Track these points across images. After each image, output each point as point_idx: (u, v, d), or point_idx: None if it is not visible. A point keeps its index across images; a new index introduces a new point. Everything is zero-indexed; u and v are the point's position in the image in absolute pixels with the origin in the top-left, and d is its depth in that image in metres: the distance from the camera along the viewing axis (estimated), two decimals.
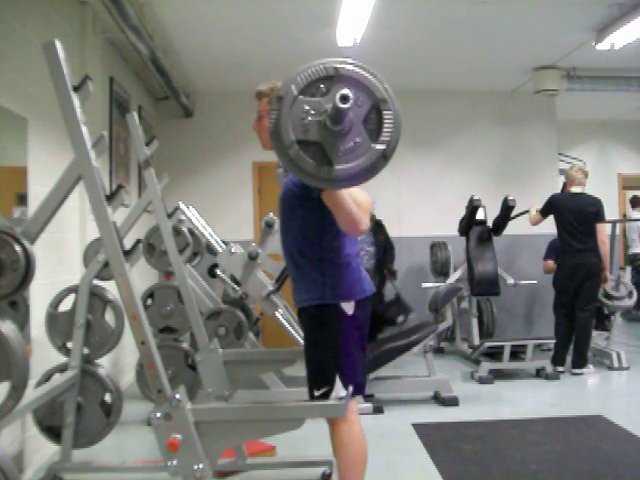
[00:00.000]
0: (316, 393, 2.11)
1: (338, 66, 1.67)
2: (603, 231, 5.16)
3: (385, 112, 1.71)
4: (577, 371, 5.10)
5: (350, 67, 1.69)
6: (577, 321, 5.13)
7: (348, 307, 2.13)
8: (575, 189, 5.20)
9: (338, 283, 2.14)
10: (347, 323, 2.13)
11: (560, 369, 5.12)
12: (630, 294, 5.55)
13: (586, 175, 5.25)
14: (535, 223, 5.46)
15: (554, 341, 5.25)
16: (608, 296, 5.51)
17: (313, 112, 1.66)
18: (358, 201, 1.99)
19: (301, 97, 1.65)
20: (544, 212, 5.32)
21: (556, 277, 5.35)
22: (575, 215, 5.08)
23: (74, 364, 2.68)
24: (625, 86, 6.16)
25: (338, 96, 1.57)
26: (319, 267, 2.14)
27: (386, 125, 1.72)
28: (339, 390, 2.07)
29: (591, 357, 5.35)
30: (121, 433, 3.42)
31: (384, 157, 1.77)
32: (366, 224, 1.98)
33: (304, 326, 2.25)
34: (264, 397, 4.06)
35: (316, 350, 2.15)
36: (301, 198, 2.10)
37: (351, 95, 1.59)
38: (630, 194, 8.58)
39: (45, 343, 2.82)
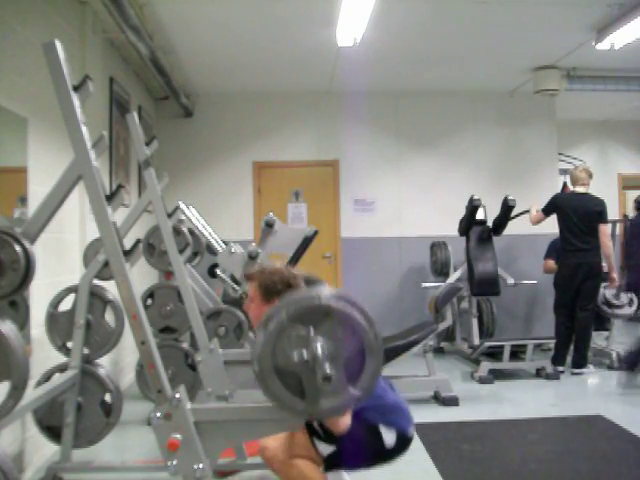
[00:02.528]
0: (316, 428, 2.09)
1: (333, 305, 1.67)
2: (606, 233, 5.14)
3: (368, 361, 1.68)
4: (577, 371, 5.11)
5: (343, 307, 1.68)
6: (577, 321, 5.13)
7: (388, 437, 2.08)
8: (579, 189, 5.21)
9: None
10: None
11: (560, 369, 5.12)
12: (630, 302, 5.54)
13: (590, 176, 5.26)
14: (536, 222, 5.46)
15: (554, 341, 5.26)
16: (608, 304, 5.51)
17: (298, 343, 1.66)
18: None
19: (289, 326, 1.66)
20: (547, 211, 5.32)
21: (557, 276, 5.35)
22: (578, 214, 5.08)
23: (74, 364, 2.68)
24: (625, 86, 6.16)
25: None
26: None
27: (365, 373, 1.69)
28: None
29: (591, 357, 5.36)
30: (121, 433, 3.42)
31: (355, 402, 1.74)
32: (345, 423, 1.90)
33: None
34: (264, 397, 4.05)
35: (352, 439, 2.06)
36: None
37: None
38: (630, 194, 8.57)
39: (45, 343, 2.82)
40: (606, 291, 5.50)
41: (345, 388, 1.69)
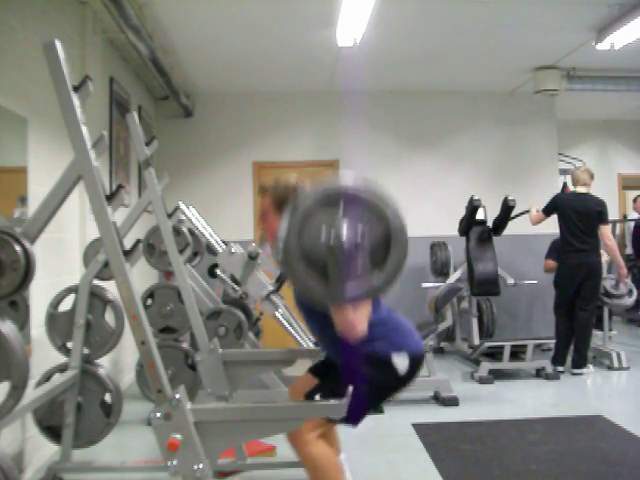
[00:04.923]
0: (316, 397, 2.10)
1: (361, 191, 1.70)
2: (607, 234, 5.13)
3: (392, 251, 1.70)
4: (577, 371, 5.11)
5: (371, 195, 1.71)
6: (577, 321, 5.13)
7: (401, 363, 2.08)
8: (580, 189, 5.21)
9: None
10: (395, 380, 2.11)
11: (560, 369, 5.13)
12: (630, 292, 5.56)
13: (592, 176, 5.25)
14: (536, 222, 5.46)
15: (554, 341, 5.26)
16: (608, 294, 5.52)
17: (324, 228, 1.67)
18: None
19: (315, 212, 1.67)
20: (547, 211, 5.32)
21: (557, 276, 5.35)
22: (579, 215, 5.08)
23: (74, 364, 2.67)
24: (625, 86, 6.16)
25: (345, 234, 1.61)
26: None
27: (389, 263, 1.71)
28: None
29: (591, 357, 5.36)
30: (121, 433, 3.42)
31: (380, 289, 1.78)
32: (362, 329, 1.91)
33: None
34: (264, 397, 4.06)
35: (359, 381, 2.03)
36: None
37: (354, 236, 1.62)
38: (630, 194, 8.58)
39: (45, 343, 2.82)
40: (605, 282, 5.50)
41: (368, 275, 1.69)
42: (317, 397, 2.08)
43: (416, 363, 2.12)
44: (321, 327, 2.12)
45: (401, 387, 2.15)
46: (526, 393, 4.70)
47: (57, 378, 2.67)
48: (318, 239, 1.67)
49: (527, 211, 5.68)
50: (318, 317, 2.06)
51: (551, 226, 5.52)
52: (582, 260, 5.07)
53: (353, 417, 1.99)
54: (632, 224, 7.97)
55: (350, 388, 1.99)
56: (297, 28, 4.83)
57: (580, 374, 5.09)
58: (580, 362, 5.12)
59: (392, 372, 2.07)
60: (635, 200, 8.15)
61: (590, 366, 5.19)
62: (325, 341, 2.28)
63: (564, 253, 5.22)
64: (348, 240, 1.64)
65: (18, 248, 1.70)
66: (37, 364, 2.83)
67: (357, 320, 1.88)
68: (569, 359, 5.22)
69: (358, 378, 1.98)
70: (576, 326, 5.13)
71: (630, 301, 5.57)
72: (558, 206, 5.24)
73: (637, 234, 7.75)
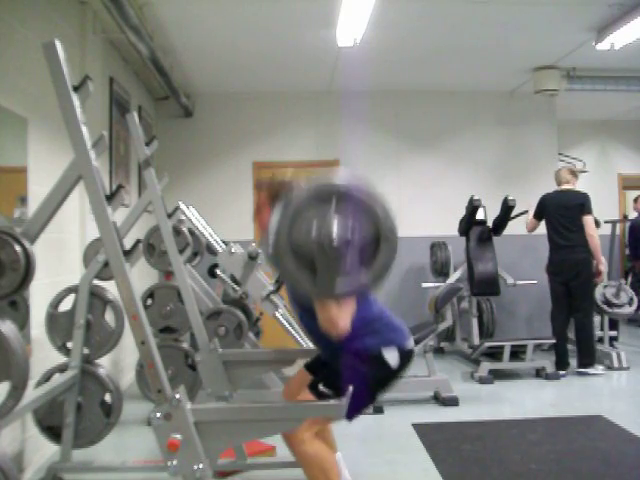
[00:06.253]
0: (321, 387, 2.11)
1: (353, 190, 1.70)
2: (590, 224, 5.04)
3: (381, 250, 1.71)
4: (582, 370, 5.03)
5: (364, 194, 1.71)
6: (575, 322, 5.09)
7: (392, 357, 2.13)
8: (563, 187, 5.23)
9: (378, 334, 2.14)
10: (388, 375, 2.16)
11: (562, 373, 5.04)
12: (631, 301, 5.53)
13: (574, 174, 5.25)
14: (531, 229, 5.46)
15: (554, 341, 5.23)
16: (608, 303, 5.49)
17: (315, 224, 1.68)
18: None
19: (307, 207, 1.69)
20: (537, 214, 5.33)
21: (547, 275, 5.33)
22: (560, 211, 5.08)
23: (74, 364, 2.67)
24: (625, 86, 6.16)
25: (335, 231, 1.61)
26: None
27: (378, 261, 1.72)
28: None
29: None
30: (121, 433, 3.42)
31: (367, 287, 1.78)
32: (344, 326, 1.94)
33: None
34: (264, 397, 4.06)
35: (355, 376, 2.09)
36: None
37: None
38: (630, 194, 8.57)
39: (45, 343, 2.82)
40: (606, 290, 5.49)
41: (355, 272, 1.70)
42: (321, 386, 2.09)
43: (406, 357, 2.18)
44: (313, 325, 2.14)
45: (393, 380, 2.21)
46: (526, 393, 4.70)
47: (57, 378, 2.67)
48: (308, 234, 1.68)
49: (527, 211, 5.68)
50: (310, 315, 2.08)
51: None
52: (566, 257, 5.03)
53: (349, 412, 2.00)
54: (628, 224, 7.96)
55: (350, 387, 2.00)
56: (297, 28, 4.83)
57: (585, 373, 5.01)
58: (585, 361, 5.03)
59: (384, 366, 2.12)
60: (636, 200, 8.15)
61: (598, 366, 5.09)
62: (317, 340, 2.29)
63: (550, 251, 5.22)
64: (338, 237, 1.66)
65: (18, 248, 1.70)
66: (37, 364, 2.83)
67: (340, 317, 1.91)
68: (571, 362, 5.16)
69: (354, 375, 2.01)
70: (575, 327, 5.10)
71: (630, 310, 5.54)
72: (543, 206, 5.24)
73: (633, 234, 7.73)
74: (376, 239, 1.72)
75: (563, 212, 5.07)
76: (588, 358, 5.07)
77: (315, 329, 2.18)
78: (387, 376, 2.17)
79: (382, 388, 2.22)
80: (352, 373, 2.02)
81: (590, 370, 5.05)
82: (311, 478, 2.12)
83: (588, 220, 5.04)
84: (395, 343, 2.15)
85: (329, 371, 2.19)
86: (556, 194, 5.24)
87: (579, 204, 5.04)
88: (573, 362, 5.18)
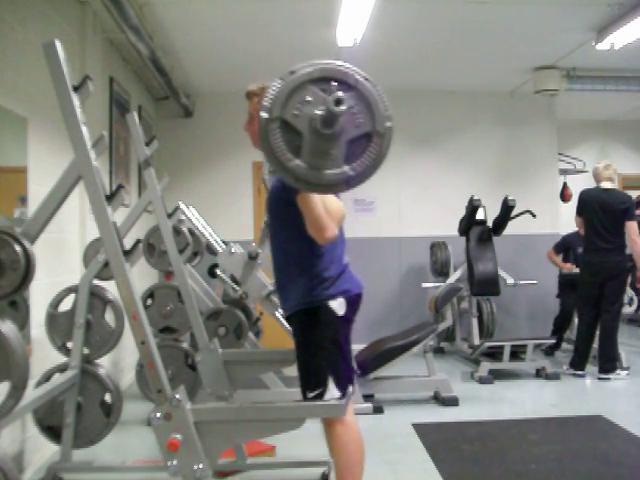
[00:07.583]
0: (309, 395, 2.11)
1: (359, 78, 1.64)
2: (634, 230, 4.88)
3: (373, 145, 1.67)
4: (604, 376, 4.89)
5: (370, 86, 1.66)
6: (601, 323, 4.95)
7: (338, 307, 2.14)
8: (605, 184, 5.01)
9: (325, 284, 2.14)
10: (339, 324, 2.15)
11: (580, 373, 4.97)
12: (631, 301, 5.51)
13: (615, 171, 5.06)
14: (581, 227, 5.27)
15: (554, 341, 5.22)
16: None
17: (311, 105, 1.60)
18: (329, 208, 2.01)
19: (309, 85, 1.61)
20: (579, 211, 5.13)
21: (580, 275, 5.18)
22: (603, 212, 4.88)
23: (74, 364, 2.68)
24: (625, 86, 6.15)
25: (333, 98, 1.54)
26: (305, 270, 2.15)
27: (367, 156, 1.67)
28: (333, 391, 2.08)
29: (590, 357, 5.33)
30: (121, 433, 3.42)
31: (346, 183, 1.70)
32: (332, 232, 1.98)
33: (295, 331, 2.24)
34: (264, 397, 4.06)
35: (308, 353, 2.15)
36: (284, 201, 2.08)
37: (345, 106, 1.55)
38: (630, 194, 8.55)
39: (45, 343, 2.82)
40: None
41: (340, 164, 1.65)
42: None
43: (354, 301, 2.20)
44: (282, 250, 2.23)
45: (347, 326, 2.20)
46: (526, 393, 4.70)
47: (57, 378, 2.67)
48: (303, 108, 1.60)
49: (527, 211, 5.67)
50: (282, 244, 2.20)
51: (552, 225, 5.50)
52: (605, 259, 4.88)
53: (339, 385, 2.09)
54: None
55: (350, 387, 2.01)
56: (297, 28, 4.83)
57: (607, 379, 4.87)
58: (607, 366, 4.90)
59: (332, 316, 2.13)
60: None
61: (620, 371, 4.96)
62: (281, 277, 2.28)
63: (587, 252, 5.05)
64: (332, 119, 1.58)
65: (18, 248, 1.70)
66: (37, 364, 2.83)
67: (327, 223, 1.96)
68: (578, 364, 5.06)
69: (306, 332, 2.13)
70: (600, 328, 4.95)
71: (630, 310, 5.51)
72: (584, 203, 5.04)
73: None
74: (369, 133, 1.67)
75: (607, 214, 4.88)
76: (611, 362, 4.93)
77: (284, 283, 2.23)
78: (337, 325, 2.16)
79: (339, 339, 2.17)
80: (303, 331, 2.12)
81: (612, 375, 4.91)
82: (336, 464, 2.15)
83: (632, 225, 4.90)
84: (340, 289, 2.16)
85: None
86: (599, 193, 5.00)
87: (624, 208, 4.87)
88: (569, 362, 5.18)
